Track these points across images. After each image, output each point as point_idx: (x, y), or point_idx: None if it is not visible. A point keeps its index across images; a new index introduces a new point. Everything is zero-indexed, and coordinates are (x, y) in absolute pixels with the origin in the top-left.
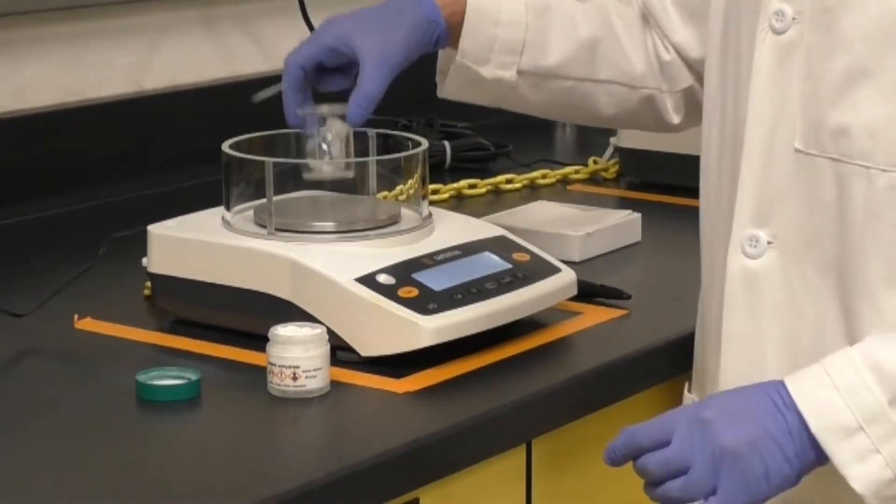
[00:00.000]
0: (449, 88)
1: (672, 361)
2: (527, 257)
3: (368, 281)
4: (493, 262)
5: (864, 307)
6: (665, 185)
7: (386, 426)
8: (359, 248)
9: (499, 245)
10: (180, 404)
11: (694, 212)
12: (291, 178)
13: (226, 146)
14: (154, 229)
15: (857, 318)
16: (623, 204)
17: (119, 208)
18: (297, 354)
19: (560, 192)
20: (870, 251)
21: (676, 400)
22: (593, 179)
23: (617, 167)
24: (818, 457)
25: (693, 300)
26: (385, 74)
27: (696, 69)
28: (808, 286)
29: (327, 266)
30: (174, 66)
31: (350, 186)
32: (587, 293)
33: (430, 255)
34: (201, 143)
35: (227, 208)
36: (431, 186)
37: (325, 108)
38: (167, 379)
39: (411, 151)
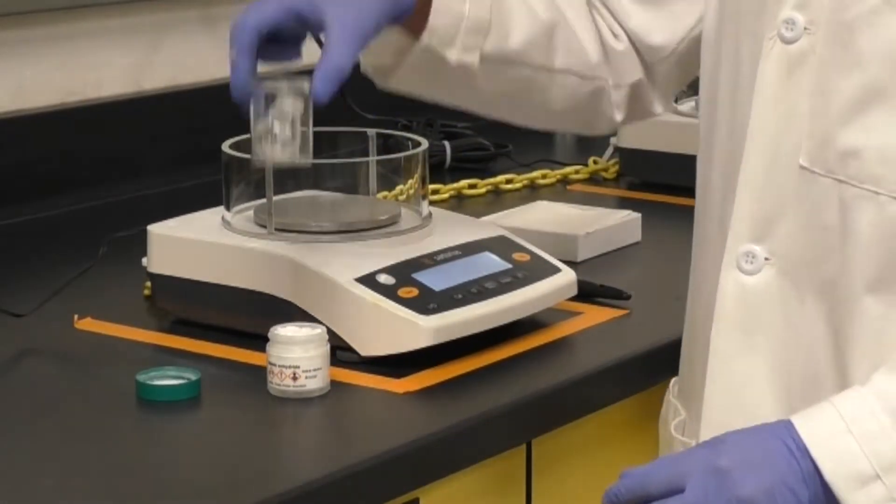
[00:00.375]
0: (401, 77)
1: (672, 361)
2: (527, 257)
3: (368, 281)
4: (493, 262)
5: (860, 334)
6: (665, 185)
7: (386, 426)
8: (359, 248)
9: (499, 245)
10: (180, 404)
11: (694, 212)
12: (291, 178)
13: (226, 146)
14: (154, 229)
15: (851, 344)
16: (623, 204)
17: (119, 208)
18: (297, 354)
19: (560, 192)
20: (872, 278)
21: None
22: (593, 179)
23: (617, 167)
24: (831, 503)
25: None
26: (355, 46)
27: (648, 59)
28: (804, 307)
29: (327, 266)
30: (174, 66)
31: (350, 186)
32: (587, 293)
33: (430, 255)
34: (201, 143)
35: (227, 208)
36: (431, 186)
37: (283, 83)
38: (167, 379)
39: (411, 151)
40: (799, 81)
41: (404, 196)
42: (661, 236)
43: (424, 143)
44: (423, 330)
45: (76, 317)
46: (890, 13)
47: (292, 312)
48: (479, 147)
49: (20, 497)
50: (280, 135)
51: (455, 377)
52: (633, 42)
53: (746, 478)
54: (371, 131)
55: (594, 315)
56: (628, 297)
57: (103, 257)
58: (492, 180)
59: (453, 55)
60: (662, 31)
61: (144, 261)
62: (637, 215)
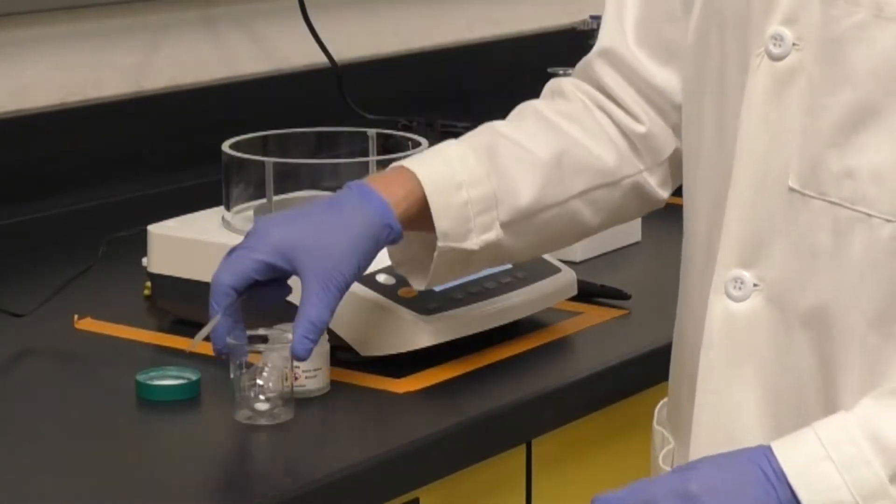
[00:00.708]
0: (435, 278)
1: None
2: None
3: (368, 281)
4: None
5: (852, 364)
6: None
7: (386, 426)
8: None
9: None
10: (180, 404)
11: None
12: (291, 178)
13: (226, 146)
14: (154, 229)
15: (842, 375)
16: None
17: (119, 208)
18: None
19: None
20: (866, 306)
21: None
22: None
23: None
24: None
25: None
26: (333, 297)
27: (678, 118)
28: (793, 335)
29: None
30: (174, 66)
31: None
32: (587, 293)
33: None
34: (201, 143)
35: (227, 208)
36: None
37: (266, 346)
38: (167, 379)
39: (411, 151)
40: (788, 100)
41: None
42: (661, 236)
43: (424, 143)
44: (423, 330)
45: (76, 317)
46: (877, 27)
47: (292, 312)
48: None
49: (20, 497)
50: (265, 391)
51: (455, 377)
52: (660, 103)
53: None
54: (371, 131)
55: (594, 315)
56: (628, 297)
57: (103, 257)
58: None
59: (474, 243)
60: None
61: (144, 261)
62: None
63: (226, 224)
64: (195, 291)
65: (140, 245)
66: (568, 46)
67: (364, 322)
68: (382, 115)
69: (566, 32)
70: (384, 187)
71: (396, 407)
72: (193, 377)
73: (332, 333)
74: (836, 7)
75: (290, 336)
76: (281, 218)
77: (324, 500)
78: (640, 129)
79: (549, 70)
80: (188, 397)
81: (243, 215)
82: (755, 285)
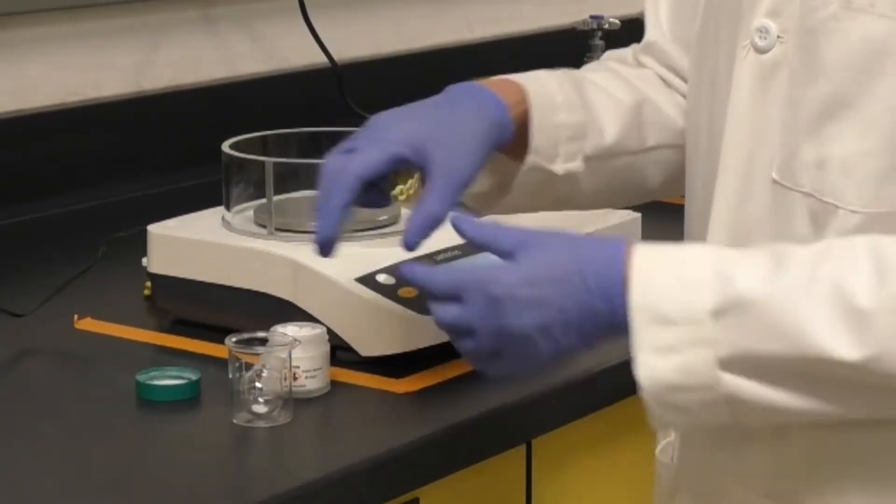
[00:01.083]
0: (509, 201)
1: None
2: None
3: (368, 281)
4: (493, 262)
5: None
6: None
7: (386, 426)
8: (359, 248)
9: None
10: (180, 404)
11: None
12: (291, 178)
13: (226, 146)
14: (154, 229)
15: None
16: None
17: (119, 208)
18: (297, 354)
19: None
20: None
21: None
22: None
23: None
24: (614, 331)
25: None
26: (455, 194)
27: None
28: None
29: (327, 266)
30: (174, 66)
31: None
32: None
33: (430, 255)
34: (201, 143)
35: (227, 208)
36: None
37: (266, 349)
38: (167, 379)
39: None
40: (772, 92)
41: (404, 196)
42: (661, 236)
43: None
44: (423, 330)
45: (76, 317)
46: (847, 18)
47: (292, 312)
48: None
49: (20, 497)
50: (263, 393)
51: (455, 377)
52: None
53: (516, 314)
54: None
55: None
56: None
57: (103, 257)
58: None
59: (559, 167)
60: None
61: (144, 261)
62: (637, 215)
63: (226, 224)
64: (195, 291)
65: (140, 245)
66: (568, 46)
67: (364, 322)
68: None
69: (566, 32)
70: (499, 89)
71: (396, 407)
72: (193, 377)
73: (332, 333)
74: (798, 4)
75: (288, 338)
76: (403, 113)
77: (324, 500)
78: None
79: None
80: (188, 397)
81: (243, 215)
82: None
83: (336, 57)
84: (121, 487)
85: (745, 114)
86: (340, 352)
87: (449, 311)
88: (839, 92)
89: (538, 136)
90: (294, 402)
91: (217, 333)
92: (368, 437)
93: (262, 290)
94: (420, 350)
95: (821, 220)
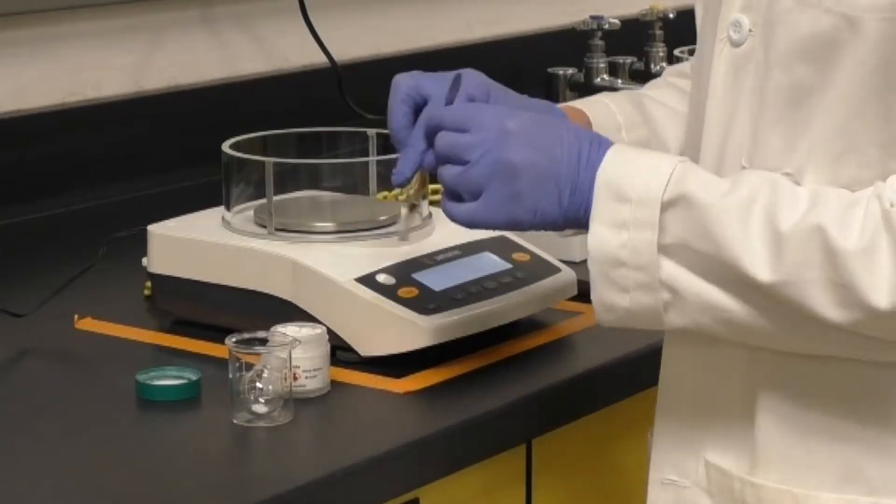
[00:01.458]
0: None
1: None
2: (527, 257)
3: (368, 281)
4: (493, 262)
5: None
6: None
7: (386, 426)
8: (359, 248)
9: (499, 245)
10: (180, 404)
11: None
12: (291, 178)
13: (226, 146)
14: (154, 229)
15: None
16: None
17: (119, 208)
18: (297, 354)
19: None
20: None
21: None
22: None
23: None
24: (585, 212)
25: None
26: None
27: None
28: None
29: (327, 266)
30: (174, 66)
31: (350, 186)
32: (587, 293)
33: (430, 255)
34: (201, 143)
35: (227, 208)
36: (432, 186)
37: (267, 350)
38: (167, 379)
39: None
40: (743, 84)
41: (404, 196)
42: None
43: None
44: (423, 330)
45: (76, 317)
46: (800, 12)
47: (292, 312)
48: None
49: (20, 497)
50: (263, 393)
51: (455, 377)
52: None
53: (521, 148)
54: (371, 131)
55: (594, 315)
56: None
57: (103, 257)
58: None
59: None
60: None
61: (144, 261)
62: None
63: (226, 224)
64: (195, 291)
65: (140, 245)
66: (568, 46)
67: (364, 322)
68: (382, 115)
69: (566, 32)
70: (569, 116)
71: (396, 407)
72: (193, 377)
73: (332, 333)
74: None
75: (288, 338)
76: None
77: (324, 500)
78: None
79: (549, 70)
80: (188, 397)
81: (243, 215)
82: None
83: (336, 57)
84: (121, 487)
85: (719, 105)
86: (340, 352)
87: (457, 136)
88: (797, 82)
89: None
90: (294, 402)
91: (217, 333)
92: (368, 437)
93: (262, 290)
94: (420, 350)
95: None
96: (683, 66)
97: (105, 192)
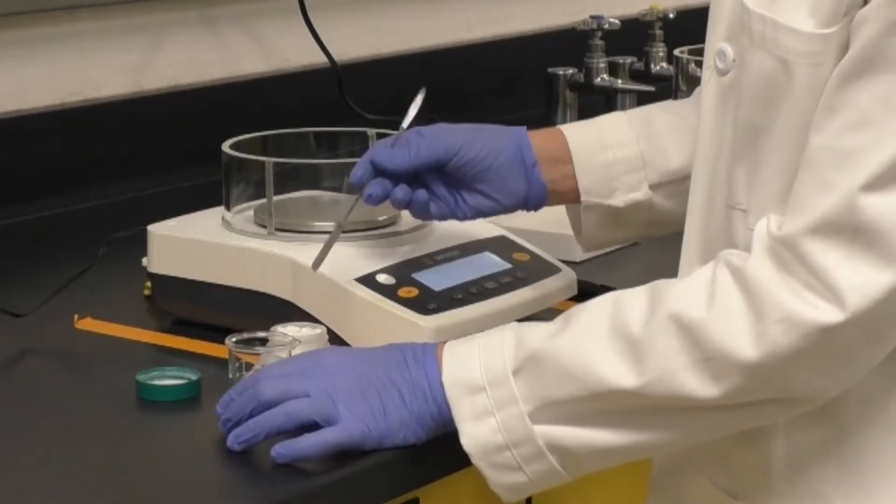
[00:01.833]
0: (589, 238)
1: None
2: (527, 257)
3: (368, 281)
4: (493, 262)
5: None
6: None
7: None
8: (359, 248)
9: (499, 245)
10: (180, 404)
11: None
12: (291, 178)
13: (226, 146)
14: (154, 229)
15: None
16: None
17: (119, 208)
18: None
19: None
20: None
21: None
22: None
23: None
24: (442, 410)
25: None
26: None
27: None
28: None
29: (327, 266)
30: (174, 66)
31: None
32: (587, 293)
33: (430, 255)
34: (201, 143)
35: (227, 208)
36: None
37: (260, 349)
38: (167, 379)
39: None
40: (727, 115)
41: None
42: (662, 236)
43: None
44: (423, 330)
45: (76, 317)
46: (752, 53)
47: (292, 312)
48: None
49: (21, 497)
50: None
51: None
52: None
53: (343, 358)
54: (371, 131)
55: None
56: None
57: (103, 257)
58: None
59: (619, 201)
60: None
61: (144, 261)
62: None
63: (226, 224)
64: (195, 291)
65: (140, 245)
66: (568, 46)
67: (364, 322)
68: (382, 115)
69: (566, 32)
70: (532, 134)
71: None
72: (193, 377)
73: (332, 333)
74: (742, 30)
75: (288, 338)
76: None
77: (324, 500)
78: None
79: (549, 70)
80: (188, 397)
81: (243, 215)
82: None
83: (336, 57)
84: (121, 487)
85: (708, 133)
86: None
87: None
88: (750, 121)
89: (584, 178)
90: None
91: (217, 333)
92: None
93: (262, 290)
94: None
95: (750, 237)
96: None
97: (105, 192)
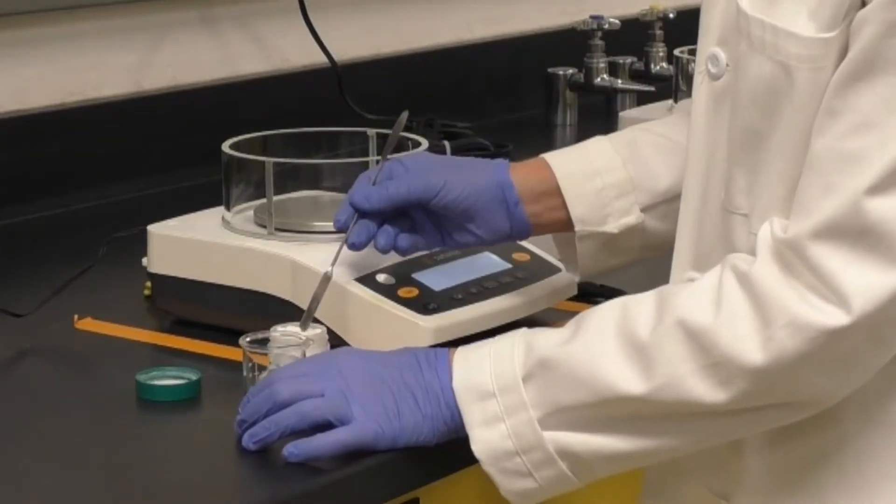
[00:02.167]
0: (585, 266)
1: None
2: (527, 257)
3: (368, 281)
4: (492, 262)
5: None
6: None
7: None
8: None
9: (499, 245)
10: (180, 404)
11: None
12: (291, 178)
13: (226, 146)
14: (154, 229)
15: None
16: None
17: (119, 208)
18: (297, 354)
19: None
20: None
21: None
22: None
23: None
24: (454, 415)
25: None
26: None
27: None
28: None
29: (327, 266)
30: (174, 66)
31: (350, 186)
32: (587, 293)
33: (430, 255)
34: (201, 143)
35: (227, 208)
36: None
37: (278, 348)
38: (167, 379)
39: (411, 151)
40: (722, 119)
41: None
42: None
43: (424, 143)
44: (423, 330)
45: (76, 317)
46: (750, 58)
47: (292, 312)
48: (478, 147)
49: (20, 497)
50: None
51: None
52: None
53: (357, 360)
54: (371, 131)
55: None
56: None
57: (103, 257)
58: None
59: (613, 227)
60: None
61: (144, 261)
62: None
63: (226, 224)
64: (195, 291)
65: (140, 245)
66: (568, 46)
67: (364, 322)
68: (382, 115)
69: (566, 32)
70: (515, 168)
71: None
72: (193, 377)
73: (332, 333)
74: (737, 34)
75: (301, 337)
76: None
77: (324, 500)
78: None
79: (549, 70)
80: (188, 397)
81: (243, 215)
82: None
83: (336, 57)
84: (121, 487)
85: (701, 139)
86: None
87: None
88: (750, 126)
89: (577, 208)
90: None
91: (217, 333)
92: None
93: (262, 290)
94: None
95: (754, 241)
96: None
97: (105, 192)
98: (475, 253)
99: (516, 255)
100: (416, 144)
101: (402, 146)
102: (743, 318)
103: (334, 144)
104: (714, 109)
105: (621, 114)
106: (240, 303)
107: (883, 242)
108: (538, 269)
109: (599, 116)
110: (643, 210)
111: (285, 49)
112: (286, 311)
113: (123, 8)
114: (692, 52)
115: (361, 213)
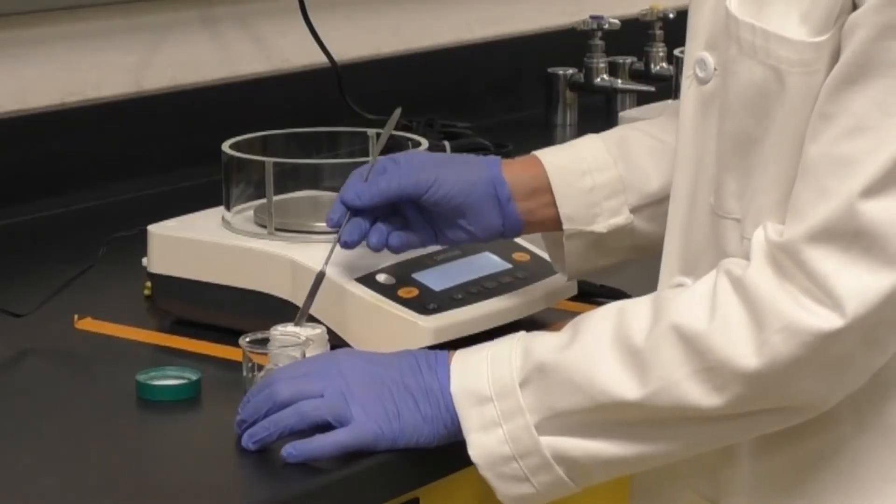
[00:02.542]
0: (573, 265)
1: None
2: (527, 257)
3: (368, 281)
4: (492, 262)
5: None
6: None
7: None
8: (359, 248)
9: (499, 245)
10: (180, 404)
11: None
12: (291, 178)
13: (226, 146)
14: (154, 229)
15: None
16: None
17: (119, 208)
18: (297, 354)
19: None
20: None
21: None
22: None
23: None
24: (454, 418)
25: None
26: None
27: None
28: None
29: (327, 266)
30: (174, 66)
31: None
32: (587, 293)
33: (430, 255)
34: (201, 143)
35: (227, 208)
36: None
37: (278, 349)
38: (167, 379)
39: (411, 151)
40: (710, 123)
41: None
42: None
43: (424, 143)
44: (423, 330)
45: (76, 317)
46: (740, 62)
47: (292, 312)
48: (478, 147)
49: (21, 497)
50: None
51: None
52: None
53: (359, 363)
54: (371, 131)
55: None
56: (628, 297)
57: (103, 257)
58: None
59: (601, 226)
60: None
61: (144, 261)
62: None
63: (226, 224)
64: (195, 291)
65: (140, 245)
66: (568, 46)
67: (364, 322)
68: (382, 115)
69: (566, 32)
70: (507, 164)
71: None
72: (193, 377)
73: (332, 333)
74: (726, 39)
75: (301, 337)
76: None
77: (324, 500)
78: None
79: (549, 70)
80: (188, 397)
81: (243, 215)
82: None
83: (336, 57)
84: (121, 487)
85: (689, 143)
86: None
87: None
88: (741, 131)
89: (566, 206)
90: None
91: (217, 333)
92: None
93: (262, 290)
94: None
95: (747, 245)
96: None
97: (105, 192)
98: (475, 253)
99: (516, 256)
100: (417, 144)
101: (402, 146)
102: (737, 323)
103: (334, 144)
104: (702, 114)
105: (621, 114)
106: (240, 303)
107: (877, 244)
108: (538, 270)
109: (599, 116)
110: (632, 211)
111: (285, 49)
112: (286, 311)
113: (123, 8)
114: None
115: (354, 211)
